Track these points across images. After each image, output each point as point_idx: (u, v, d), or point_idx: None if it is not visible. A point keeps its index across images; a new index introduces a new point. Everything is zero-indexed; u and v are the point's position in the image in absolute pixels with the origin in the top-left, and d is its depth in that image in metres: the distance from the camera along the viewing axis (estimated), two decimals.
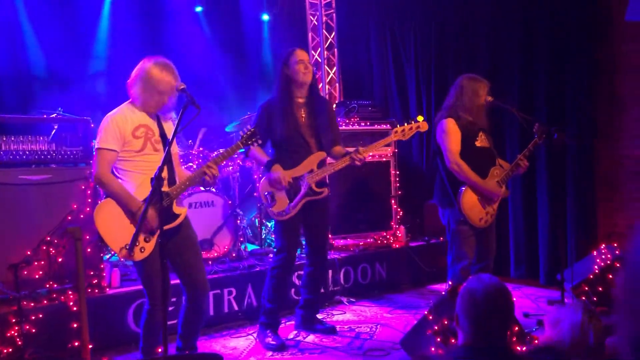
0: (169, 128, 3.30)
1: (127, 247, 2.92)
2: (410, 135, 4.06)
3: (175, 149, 3.37)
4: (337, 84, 7.19)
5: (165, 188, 3.14)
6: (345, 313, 4.85)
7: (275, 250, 4.12)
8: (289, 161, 3.97)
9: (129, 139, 3.11)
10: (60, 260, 3.84)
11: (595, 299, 4.41)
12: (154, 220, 3.03)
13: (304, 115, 4.02)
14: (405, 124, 4.04)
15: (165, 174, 3.15)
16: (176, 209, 3.22)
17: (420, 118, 4.06)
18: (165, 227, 3.11)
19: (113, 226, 3.04)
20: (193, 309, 3.36)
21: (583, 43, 5.35)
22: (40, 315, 3.64)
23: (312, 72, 4.01)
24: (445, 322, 3.17)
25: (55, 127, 4.39)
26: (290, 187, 3.94)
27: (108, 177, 3.09)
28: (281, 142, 3.99)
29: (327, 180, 4.15)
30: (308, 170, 3.99)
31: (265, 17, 6.90)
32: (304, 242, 4.30)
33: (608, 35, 5.38)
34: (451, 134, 4.05)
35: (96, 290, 4.03)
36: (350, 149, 4.05)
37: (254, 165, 5.69)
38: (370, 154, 4.39)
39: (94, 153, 3.16)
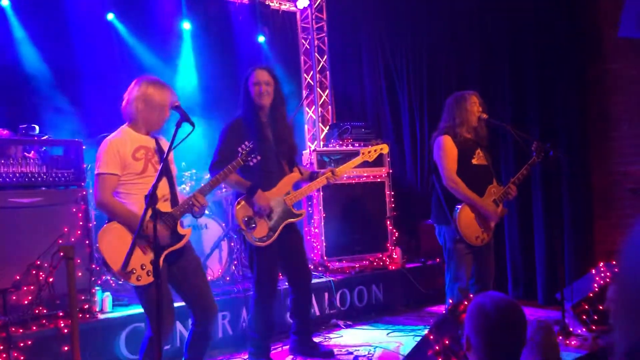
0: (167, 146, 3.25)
1: (123, 267, 2.84)
2: (375, 157, 4.36)
3: (174, 170, 3.31)
4: (329, 107, 7.20)
5: (168, 208, 3.09)
6: (342, 336, 4.76)
7: (254, 281, 3.92)
8: (265, 184, 3.83)
9: (130, 162, 3.06)
10: (51, 284, 3.73)
11: (595, 317, 4.36)
12: (164, 235, 2.97)
13: (270, 136, 3.90)
14: (370, 147, 4.33)
15: (167, 194, 3.11)
16: (181, 229, 3.15)
17: (380, 141, 4.45)
18: (171, 249, 3.07)
19: (118, 250, 2.92)
20: (201, 332, 3.27)
21: (573, 61, 5.40)
22: (29, 342, 3.52)
23: (271, 95, 3.86)
24: (447, 342, 3.09)
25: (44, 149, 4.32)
26: (271, 211, 3.83)
27: (112, 201, 3.02)
28: (256, 163, 3.59)
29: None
30: (285, 192, 3.91)
31: (261, 38, 6.91)
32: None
33: (598, 52, 5.44)
34: (447, 152, 4.03)
35: (87, 316, 3.93)
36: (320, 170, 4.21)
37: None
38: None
39: (95, 179, 3.07)
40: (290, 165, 4.03)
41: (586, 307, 4.41)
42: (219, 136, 3.92)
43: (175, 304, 3.26)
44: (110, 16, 5.88)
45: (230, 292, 4.70)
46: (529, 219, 5.62)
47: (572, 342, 4.17)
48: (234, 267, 5.18)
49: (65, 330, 3.57)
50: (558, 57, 5.43)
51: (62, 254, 2.42)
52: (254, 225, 3.79)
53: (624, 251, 1.01)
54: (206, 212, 5.14)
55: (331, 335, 4.76)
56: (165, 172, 3.13)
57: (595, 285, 4.46)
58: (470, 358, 1.87)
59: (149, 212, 2.60)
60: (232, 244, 5.23)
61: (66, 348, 3.44)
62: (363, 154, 4.28)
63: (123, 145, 3.07)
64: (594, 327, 4.36)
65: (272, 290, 3.96)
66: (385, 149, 4.40)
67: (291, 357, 4.23)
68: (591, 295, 4.42)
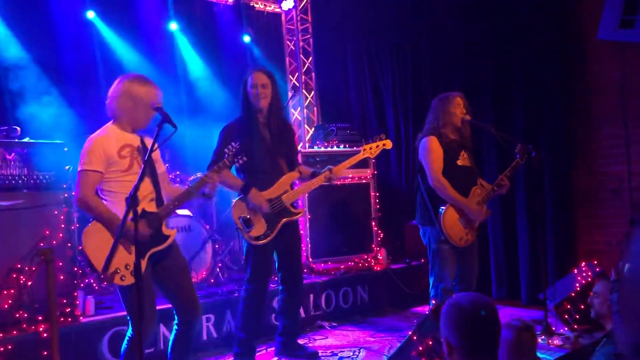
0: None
1: (104, 268, 2.81)
2: (377, 153, 4.25)
3: (162, 167, 3.29)
4: (315, 108, 7.20)
5: (153, 208, 3.07)
6: (327, 338, 4.75)
7: (246, 278, 3.97)
8: (261, 183, 3.88)
9: (115, 159, 3.03)
10: (31, 287, 3.69)
11: (577, 316, 4.41)
12: (145, 231, 2.95)
13: (268, 137, 3.95)
14: (372, 143, 4.21)
15: (152, 193, 3.09)
16: (166, 230, 3.13)
17: (384, 136, 4.26)
18: (155, 249, 3.05)
19: (103, 250, 2.87)
20: (185, 333, 3.24)
21: (557, 63, 5.45)
22: (10, 347, 3.48)
23: (268, 97, 3.90)
24: (430, 343, 3.10)
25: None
26: (268, 209, 3.86)
27: (93, 199, 2.99)
28: (251, 163, 3.78)
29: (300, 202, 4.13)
30: (282, 192, 3.92)
31: (247, 38, 6.89)
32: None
33: (581, 54, 5.50)
34: (433, 152, 4.05)
35: (69, 319, 3.88)
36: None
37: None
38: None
39: (77, 175, 3.03)
40: (289, 165, 4.04)
41: (568, 306, 4.45)
42: (218, 136, 3.98)
43: (159, 307, 3.24)
44: (90, 14, 5.80)
45: (214, 294, 4.68)
46: (512, 220, 5.66)
47: (555, 342, 4.21)
48: (218, 270, 5.16)
49: (45, 335, 3.52)
50: (542, 59, 5.47)
51: (42, 257, 2.39)
52: (250, 224, 3.82)
53: (631, 252, 1.01)
54: (190, 214, 5.13)
55: (316, 337, 4.76)
56: (150, 172, 3.11)
57: (577, 284, 4.50)
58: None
59: (131, 214, 2.57)
60: (217, 246, 5.22)
61: (46, 353, 3.40)
62: (364, 150, 4.18)
63: (108, 142, 3.04)
64: (576, 327, 4.40)
65: (263, 289, 3.97)
66: (388, 144, 4.23)
67: (276, 359, 4.23)
68: (573, 295, 4.46)
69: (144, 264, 2.99)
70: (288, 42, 7.33)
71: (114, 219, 2.94)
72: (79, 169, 3.03)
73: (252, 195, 3.80)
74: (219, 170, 3.32)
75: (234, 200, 3.89)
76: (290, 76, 7.26)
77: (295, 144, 4.22)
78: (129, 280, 2.94)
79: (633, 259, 0.99)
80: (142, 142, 3.19)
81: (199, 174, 5.30)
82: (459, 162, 4.11)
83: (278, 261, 4.10)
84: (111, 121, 3.17)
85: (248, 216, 3.82)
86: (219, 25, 6.81)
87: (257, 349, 4.15)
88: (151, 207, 3.08)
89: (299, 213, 4.02)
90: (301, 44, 7.20)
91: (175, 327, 3.27)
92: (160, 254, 3.10)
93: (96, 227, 2.97)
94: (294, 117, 7.23)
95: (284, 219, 3.90)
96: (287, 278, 4.13)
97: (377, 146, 4.20)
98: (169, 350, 3.30)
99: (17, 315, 3.65)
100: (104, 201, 3.05)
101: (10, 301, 3.65)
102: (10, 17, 5.28)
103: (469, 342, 1.80)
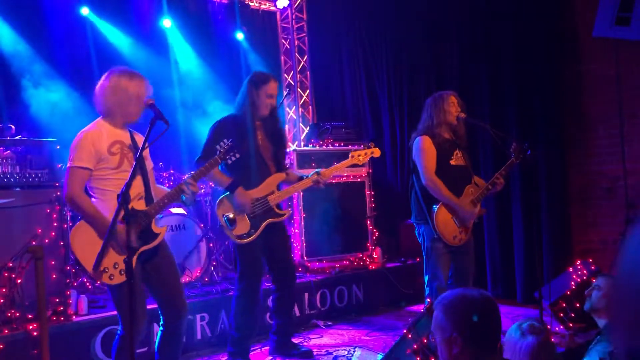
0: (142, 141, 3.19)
1: (94, 267, 2.78)
2: (366, 161, 4.32)
3: (150, 165, 3.25)
4: (310, 107, 7.18)
5: (142, 207, 3.04)
6: (322, 337, 4.73)
7: (237, 277, 3.95)
8: (248, 182, 3.86)
9: (105, 156, 2.98)
10: (21, 286, 3.66)
11: (573, 315, 4.40)
12: (133, 238, 2.92)
13: (260, 137, 3.97)
14: (361, 151, 4.25)
15: (142, 191, 3.05)
16: (155, 228, 3.10)
17: (372, 145, 4.33)
18: (145, 248, 3.02)
19: (91, 249, 2.85)
20: (172, 333, 3.21)
21: (550, 62, 5.44)
22: (1, 346, 3.45)
23: (274, 106, 3.99)
24: (425, 341, 3.08)
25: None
26: (250, 210, 3.83)
27: (81, 197, 2.94)
28: (241, 162, 3.70)
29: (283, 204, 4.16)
30: (269, 192, 3.90)
31: (240, 35, 6.86)
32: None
33: (575, 53, 5.49)
34: (427, 152, 4.03)
35: (62, 318, 3.85)
36: (306, 171, 4.20)
37: None
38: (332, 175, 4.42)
39: (66, 171, 3.00)
40: (278, 167, 4.03)
41: (564, 305, 4.45)
42: (209, 131, 3.94)
43: (153, 306, 3.21)
44: (85, 11, 5.77)
45: (208, 293, 4.66)
46: (508, 218, 5.65)
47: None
48: (212, 268, 5.13)
49: (35, 333, 3.49)
50: (535, 59, 5.46)
51: (31, 254, 2.36)
52: (234, 222, 3.80)
53: (623, 255, 0.99)
54: (184, 212, 5.10)
55: (311, 336, 4.74)
56: (140, 169, 3.08)
57: (573, 283, 4.50)
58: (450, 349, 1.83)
59: (122, 212, 2.54)
60: (211, 244, 5.19)
61: (37, 351, 3.37)
62: (352, 156, 4.20)
63: (99, 138, 3.00)
64: (571, 325, 4.40)
65: (255, 287, 3.94)
66: (376, 152, 4.29)
67: (270, 358, 4.20)
68: (569, 293, 4.46)
69: (133, 262, 2.95)
70: (283, 41, 7.30)
71: (100, 219, 2.90)
72: (68, 164, 2.99)
73: (238, 194, 3.78)
74: (211, 167, 3.28)
75: (220, 198, 3.87)
76: (285, 75, 7.24)
77: (286, 146, 4.24)
78: (118, 279, 2.91)
79: (626, 259, 0.98)
80: (132, 138, 3.16)
81: (193, 173, 5.27)
82: (452, 162, 4.09)
83: (267, 262, 4.07)
84: (101, 116, 3.13)
85: (232, 215, 3.81)
86: (213, 23, 6.78)
87: (252, 348, 4.13)
88: (140, 206, 3.04)
89: (284, 214, 4.01)
90: (296, 42, 7.18)
91: (160, 327, 3.22)
92: (149, 252, 3.07)
93: (84, 226, 2.95)
94: (289, 116, 7.21)
95: (268, 220, 3.89)
96: (278, 278, 4.12)
97: (366, 154, 4.26)
98: (156, 350, 3.26)
99: (9, 314, 3.62)
100: (93, 199, 3.01)
101: (1, 300, 3.62)
102: (5, 12, 5.25)
103: (480, 333, 1.77)
